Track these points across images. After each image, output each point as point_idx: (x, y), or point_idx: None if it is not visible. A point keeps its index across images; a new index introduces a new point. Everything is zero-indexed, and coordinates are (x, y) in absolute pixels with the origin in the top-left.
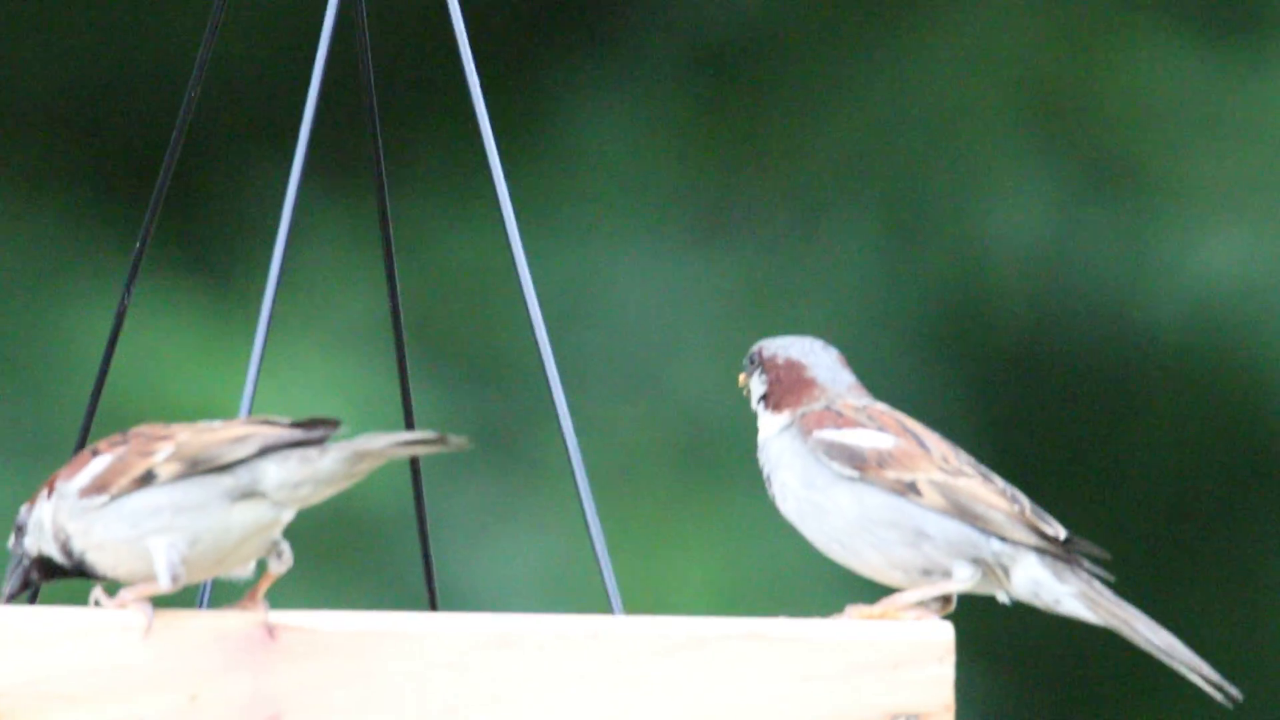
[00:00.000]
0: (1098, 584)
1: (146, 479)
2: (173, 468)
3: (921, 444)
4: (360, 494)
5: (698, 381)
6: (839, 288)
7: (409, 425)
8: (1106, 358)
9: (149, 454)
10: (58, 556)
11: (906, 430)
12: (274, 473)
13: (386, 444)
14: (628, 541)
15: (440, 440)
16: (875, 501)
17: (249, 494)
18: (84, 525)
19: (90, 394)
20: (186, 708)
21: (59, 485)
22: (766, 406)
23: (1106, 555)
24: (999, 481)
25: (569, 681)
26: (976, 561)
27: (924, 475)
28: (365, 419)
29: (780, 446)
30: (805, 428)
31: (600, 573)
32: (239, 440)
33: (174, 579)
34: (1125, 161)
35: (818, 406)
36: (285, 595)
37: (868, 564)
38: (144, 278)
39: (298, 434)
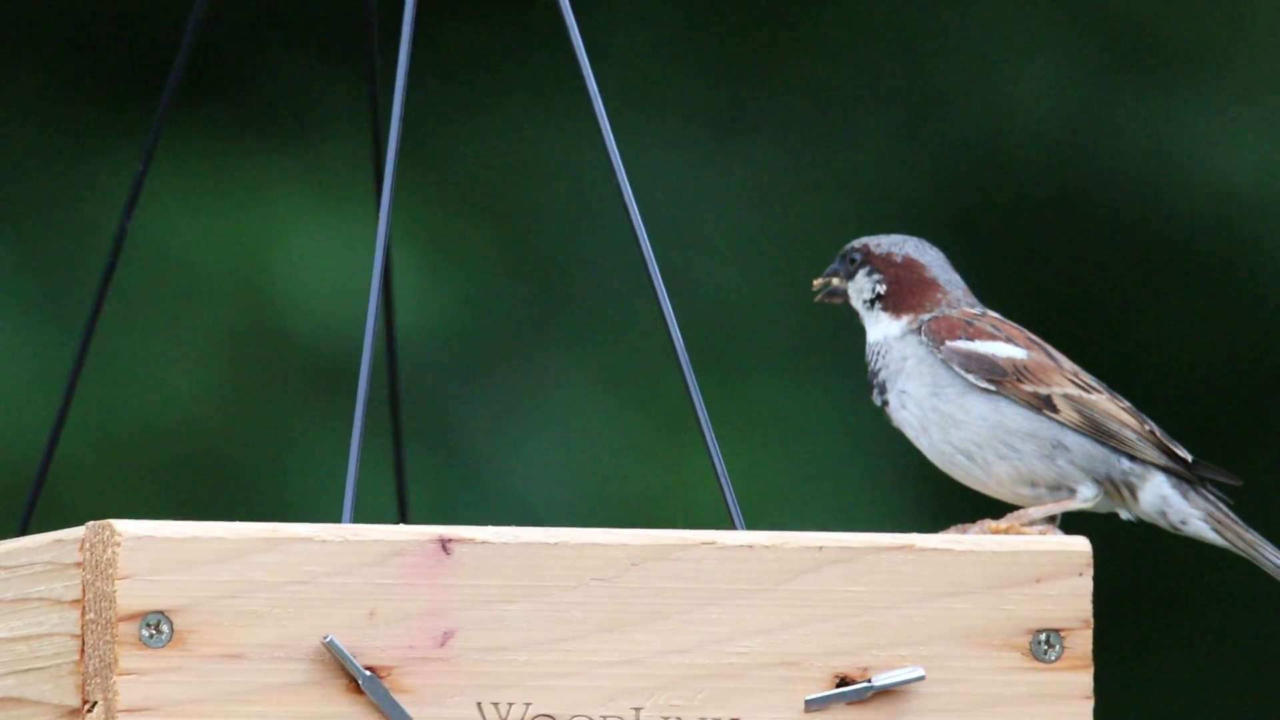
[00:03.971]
0: (1225, 508)
1: None
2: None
3: (1051, 356)
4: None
5: (717, 280)
6: (858, 181)
7: (388, 315)
8: (1127, 242)
9: None
10: None
11: (1034, 342)
12: None
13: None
14: (645, 440)
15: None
16: (1013, 412)
17: None
18: None
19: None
20: (365, 624)
21: None
22: (885, 309)
23: (1237, 480)
24: (1124, 400)
25: (727, 595)
26: (1106, 480)
27: (1058, 389)
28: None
29: (903, 353)
30: (935, 335)
31: (721, 490)
32: None
33: None
34: (1148, 40)
35: (942, 312)
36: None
37: (993, 476)
38: (166, 162)
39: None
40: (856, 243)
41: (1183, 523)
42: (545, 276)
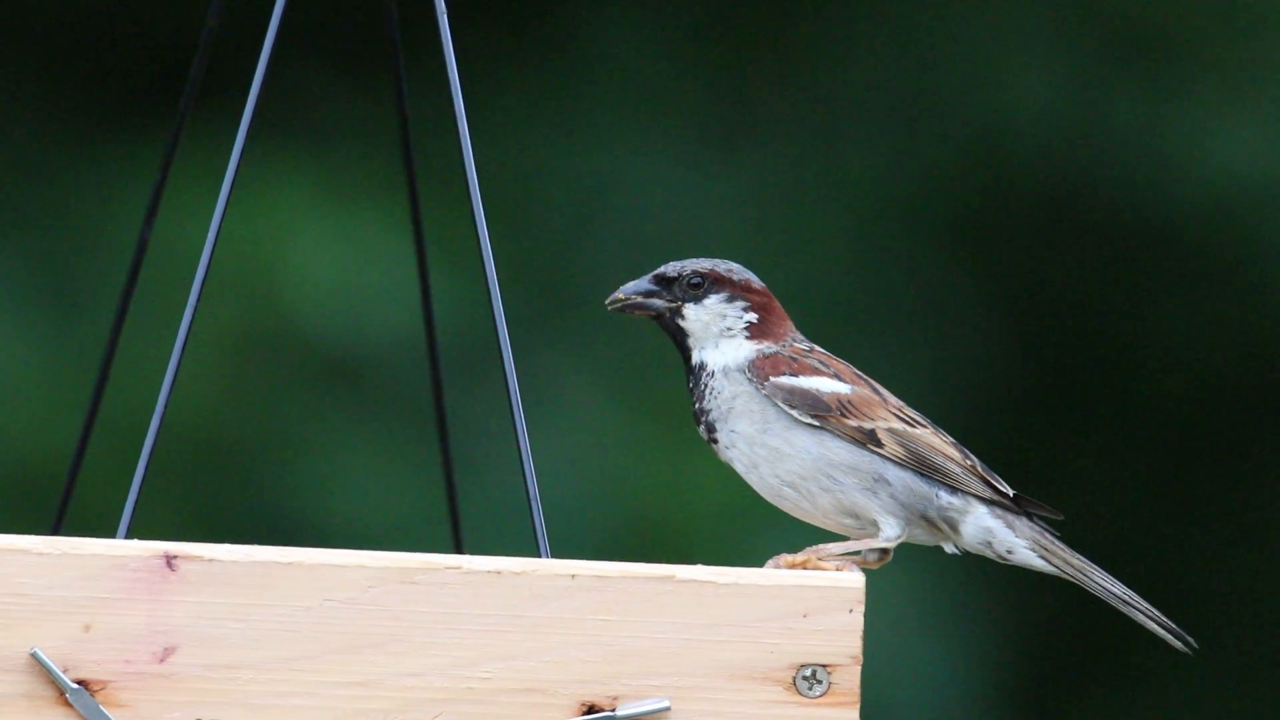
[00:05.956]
0: (1050, 535)
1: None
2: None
3: (876, 391)
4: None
5: None
6: (858, 183)
7: (429, 323)
8: (1127, 237)
9: None
10: None
11: (859, 377)
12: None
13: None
14: (643, 445)
15: None
16: (836, 446)
17: None
18: None
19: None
20: (80, 638)
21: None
22: (750, 337)
23: (1058, 515)
24: (948, 435)
25: (469, 620)
26: (922, 517)
27: (883, 423)
28: (383, 322)
29: (733, 391)
30: (760, 372)
31: (531, 514)
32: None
33: None
34: (1143, 35)
35: (773, 349)
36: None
37: (819, 508)
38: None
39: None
40: (695, 265)
41: (1009, 552)
42: (546, 278)
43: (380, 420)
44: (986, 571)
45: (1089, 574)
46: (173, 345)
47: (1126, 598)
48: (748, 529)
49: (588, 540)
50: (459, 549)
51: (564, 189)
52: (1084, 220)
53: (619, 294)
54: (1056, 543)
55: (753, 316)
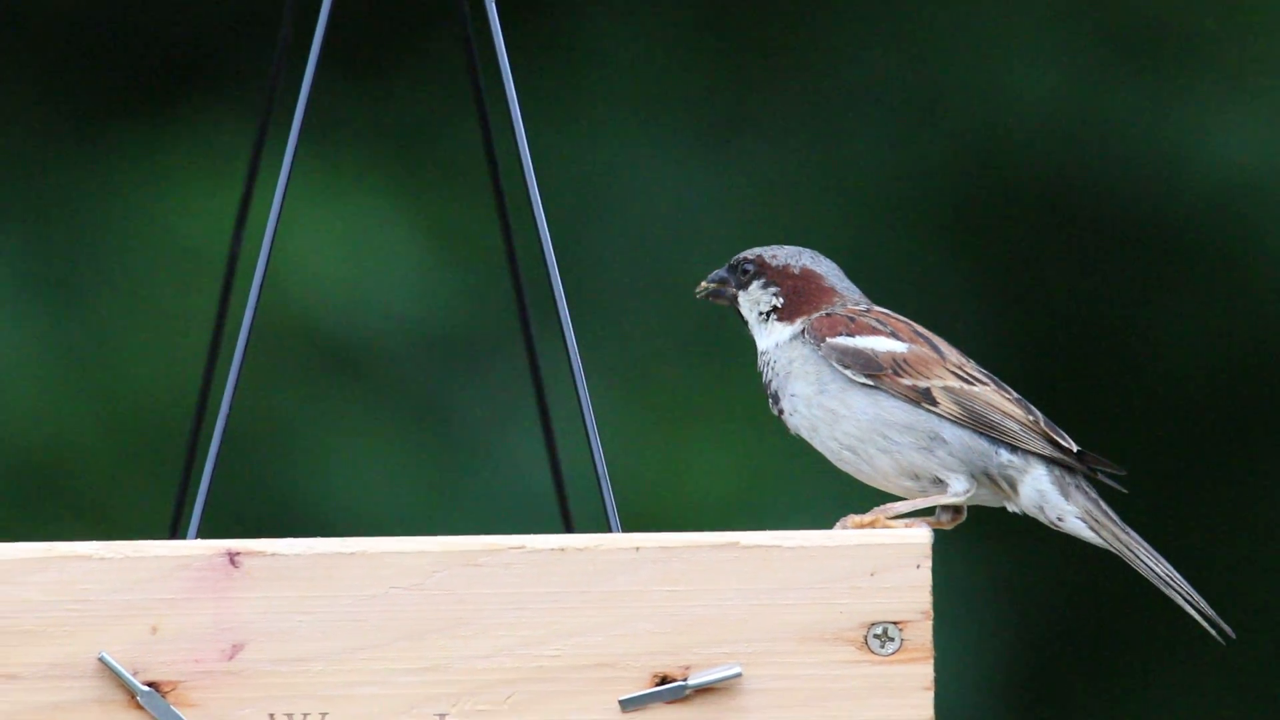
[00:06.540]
0: (1105, 506)
1: None
2: None
3: (935, 349)
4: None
5: None
6: (854, 184)
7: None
8: (1128, 232)
9: None
10: None
11: (919, 335)
12: None
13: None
14: (641, 441)
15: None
16: (891, 405)
17: None
18: None
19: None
20: (147, 639)
21: None
22: (780, 319)
23: (1122, 470)
24: (1013, 392)
25: (535, 599)
26: (984, 473)
27: (939, 382)
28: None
29: (789, 356)
30: (817, 333)
31: (600, 493)
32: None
33: None
34: (1144, 29)
35: (828, 311)
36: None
37: (879, 470)
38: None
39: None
40: (750, 253)
41: (1059, 519)
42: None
43: (382, 408)
44: (993, 560)
45: (1135, 550)
46: (162, 330)
47: (1169, 578)
48: (746, 520)
49: (584, 530)
50: (569, 527)
51: (564, 182)
52: (1084, 215)
53: (703, 282)
54: (1108, 515)
55: (778, 301)
